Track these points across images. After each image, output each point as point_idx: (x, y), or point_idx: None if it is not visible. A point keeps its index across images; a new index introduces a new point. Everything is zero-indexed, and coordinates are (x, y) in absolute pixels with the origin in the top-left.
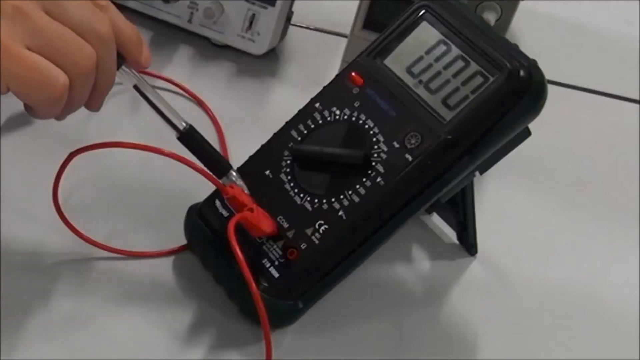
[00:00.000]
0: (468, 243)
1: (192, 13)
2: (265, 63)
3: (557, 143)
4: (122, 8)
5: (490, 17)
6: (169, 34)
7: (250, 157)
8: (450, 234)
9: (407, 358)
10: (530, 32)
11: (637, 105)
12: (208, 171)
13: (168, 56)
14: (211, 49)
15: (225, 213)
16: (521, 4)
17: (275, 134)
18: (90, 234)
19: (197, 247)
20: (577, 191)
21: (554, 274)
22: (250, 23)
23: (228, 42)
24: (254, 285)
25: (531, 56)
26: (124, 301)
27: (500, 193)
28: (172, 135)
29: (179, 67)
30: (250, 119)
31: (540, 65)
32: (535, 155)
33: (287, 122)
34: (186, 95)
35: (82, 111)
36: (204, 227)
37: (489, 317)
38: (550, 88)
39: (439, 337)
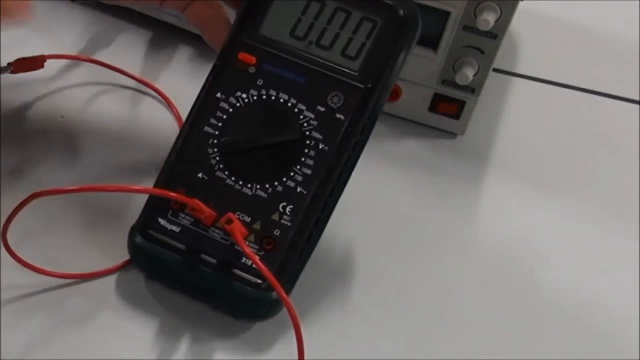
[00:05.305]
0: None
1: None
2: None
3: (557, 143)
4: (121, 8)
5: (490, 17)
6: (169, 34)
7: (171, 167)
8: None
9: (408, 358)
10: (530, 32)
11: (637, 106)
12: (155, 189)
13: (168, 56)
14: (211, 50)
15: (175, 228)
16: (521, 4)
17: (185, 136)
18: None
19: (163, 275)
20: (576, 192)
21: (554, 274)
22: None
23: None
24: (273, 279)
25: (531, 56)
26: (121, 301)
27: (499, 193)
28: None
29: (179, 67)
30: None
31: (541, 65)
32: (535, 155)
33: (192, 120)
34: (155, 94)
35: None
36: (166, 251)
37: (489, 317)
38: (550, 88)
39: (438, 337)
